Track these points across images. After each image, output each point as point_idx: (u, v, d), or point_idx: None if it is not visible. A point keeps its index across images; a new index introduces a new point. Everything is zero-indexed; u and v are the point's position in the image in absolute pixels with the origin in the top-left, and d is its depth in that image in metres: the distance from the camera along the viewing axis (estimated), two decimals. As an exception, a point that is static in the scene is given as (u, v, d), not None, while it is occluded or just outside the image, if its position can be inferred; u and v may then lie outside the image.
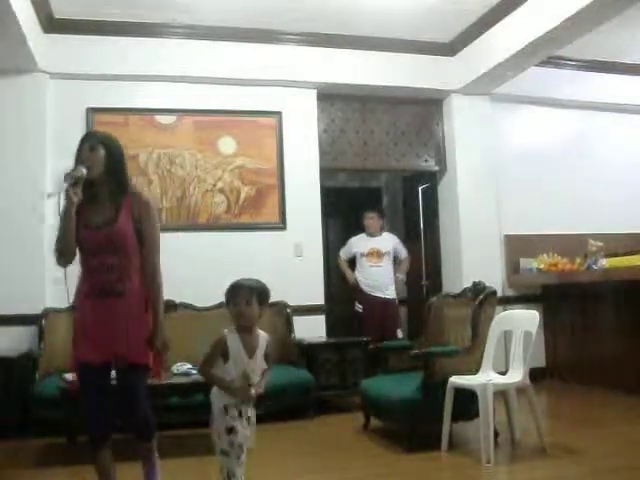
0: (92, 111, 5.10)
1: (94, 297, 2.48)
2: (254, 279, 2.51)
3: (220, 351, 2.42)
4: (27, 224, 4.78)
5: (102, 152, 2.50)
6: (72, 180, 2.37)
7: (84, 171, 2.41)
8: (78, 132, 5.00)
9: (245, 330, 2.44)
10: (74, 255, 2.49)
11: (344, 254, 5.87)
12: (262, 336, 2.48)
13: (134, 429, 2.59)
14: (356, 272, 5.76)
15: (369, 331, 5.23)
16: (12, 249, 4.74)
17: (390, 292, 5.70)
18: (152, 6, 4.89)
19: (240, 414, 2.43)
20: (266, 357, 2.48)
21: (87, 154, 2.48)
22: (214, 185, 5.34)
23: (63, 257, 2.47)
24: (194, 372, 3.92)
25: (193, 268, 5.01)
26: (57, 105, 5.04)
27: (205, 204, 5.31)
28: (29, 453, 3.80)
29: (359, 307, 5.66)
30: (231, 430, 2.40)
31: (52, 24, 4.94)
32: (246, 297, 2.41)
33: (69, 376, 3.65)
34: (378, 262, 5.68)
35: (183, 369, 3.97)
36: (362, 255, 5.71)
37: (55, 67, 5.00)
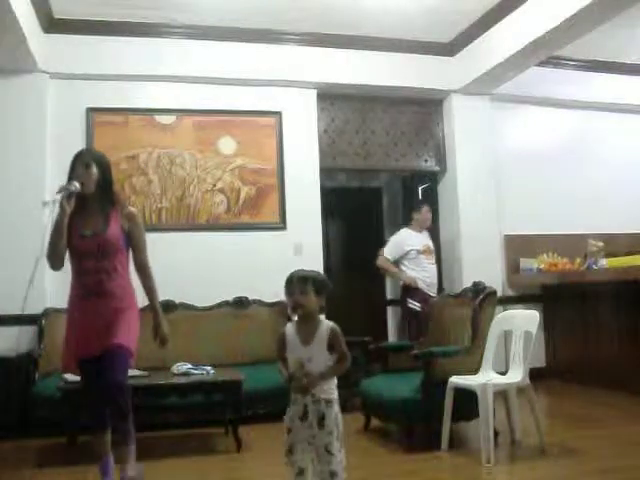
0: (92, 111, 5.10)
1: (86, 296, 2.76)
2: (312, 270, 2.54)
3: (281, 344, 2.46)
4: (27, 224, 4.77)
5: (95, 170, 2.78)
6: (66, 193, 2.65)
7: (78, 186, 2.69)
8: (78, 132, 5.11)
9: (304, 319, 2.45)
10: (63, 260, 2.78)
11: (391, 254, 5.39)
12: (325, 325, 2.43)
13: (109, 401, 2.71)
14: (407, 270, 5.36)
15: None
16: (12, 249, 4.72)
17: (436, 290, 5.46)
18: (152, 6, 4.89)
19: (306, 412, 2.35)
20: (330, 347, 2.38)
21: (81, 171, 2.74)
22: (214, 185, 5.34)
23: (55, 261, 2.75)
24: (194, 372, 3.92)
25: (193, 268, 5.01)
26: (57, 105, 5.04)
27: (205, 204, 5.31)
28: (29, 453, 3.79)
29: (416, 305, 5.20)
30: (289, 431, 2.41)
31: (52, 24, 4.94)
32: (300, 286, 2.43)
33: (69, 376, 3.66)
34: (432, 259, 5.46)
35: (183, 369, 3.96)
36: (419, 252, 5.36)
37: (55, 67, 5.00)
